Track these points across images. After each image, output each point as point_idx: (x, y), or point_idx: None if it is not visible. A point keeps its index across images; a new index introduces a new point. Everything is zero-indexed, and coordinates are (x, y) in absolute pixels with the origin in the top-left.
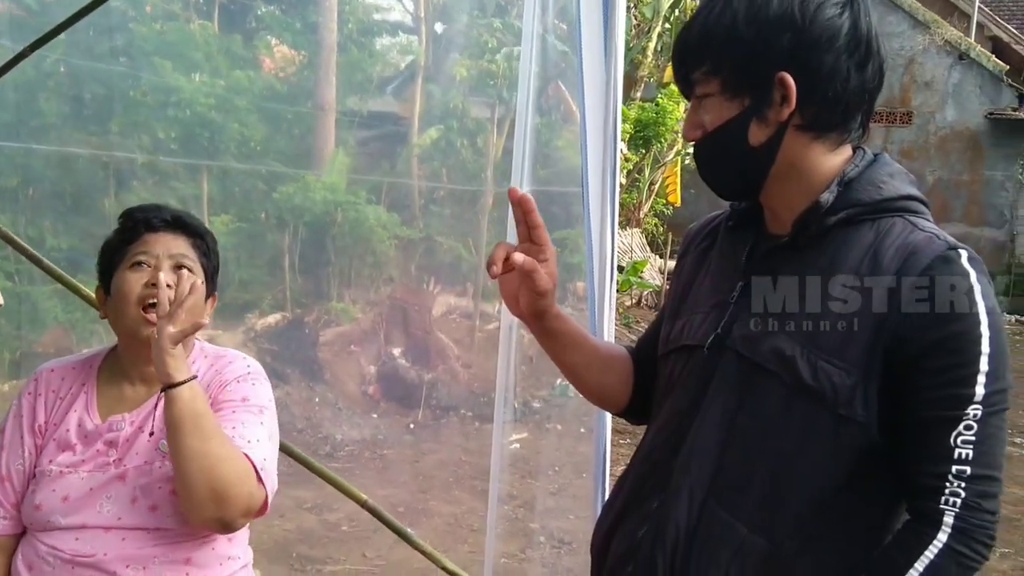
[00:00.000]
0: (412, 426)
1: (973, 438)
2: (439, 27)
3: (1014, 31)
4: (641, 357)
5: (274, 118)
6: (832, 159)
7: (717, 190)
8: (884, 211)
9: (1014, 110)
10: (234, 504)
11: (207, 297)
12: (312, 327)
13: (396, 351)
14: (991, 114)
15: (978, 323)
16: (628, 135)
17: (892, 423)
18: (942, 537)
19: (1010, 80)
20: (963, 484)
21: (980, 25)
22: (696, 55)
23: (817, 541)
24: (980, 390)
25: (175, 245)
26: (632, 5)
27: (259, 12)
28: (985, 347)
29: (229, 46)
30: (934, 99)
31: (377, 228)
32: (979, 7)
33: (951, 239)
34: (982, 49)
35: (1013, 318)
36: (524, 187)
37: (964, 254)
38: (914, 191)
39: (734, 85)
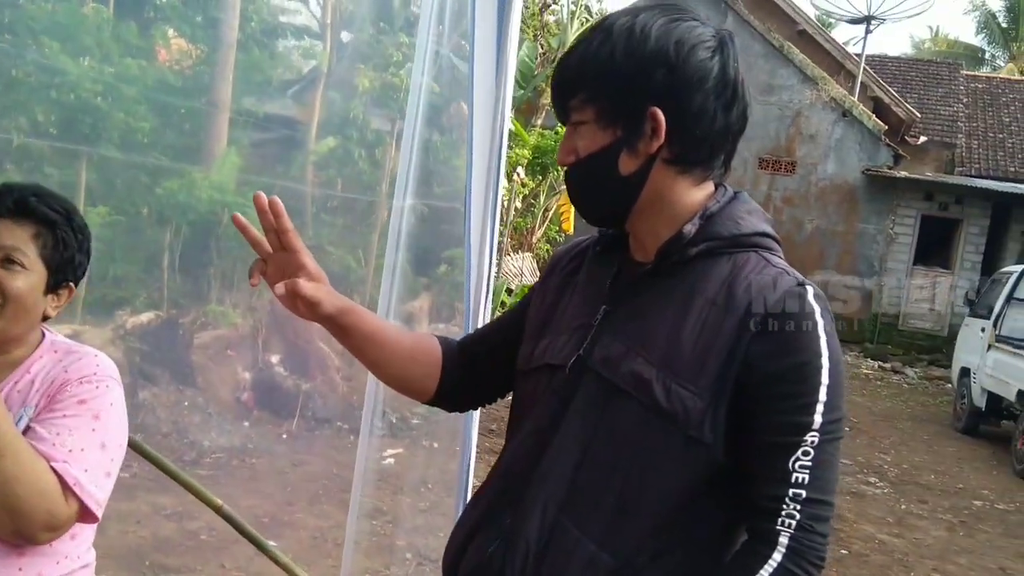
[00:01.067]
0: (285, 436)
1: (810, 463)
2: (345, 36)
3: (894, 94)
4: (469, 351)
5: (164, 111)
6: (696, 193)
7: (586, 215)
8: (741, 245)
9: (889, 168)
10: (29, 521)
11: (57, 289)
12: (187, 329)
13: (274, 358)
14: (868, 170)
15: (820, 355)
16: (527, 160)
17: (736, 447)
18: (777, 556)
19: (887, 140)
20: (798, 507)
21: (864, 85)
22: (574, 83)
23: (663, 557)
24: (818, 418)
25: (10, 235)
26: (539, 35)
27: (158, 2)
28: (825, 378)
29: (123, 33)
30: (817, 151)
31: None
32: (864, 68)
33: (800, 276)
34: (864, 108)
35: (876, 364)
36: (407, 200)
37: (811, 290)
38: (768, 229)
39: (608, 115)
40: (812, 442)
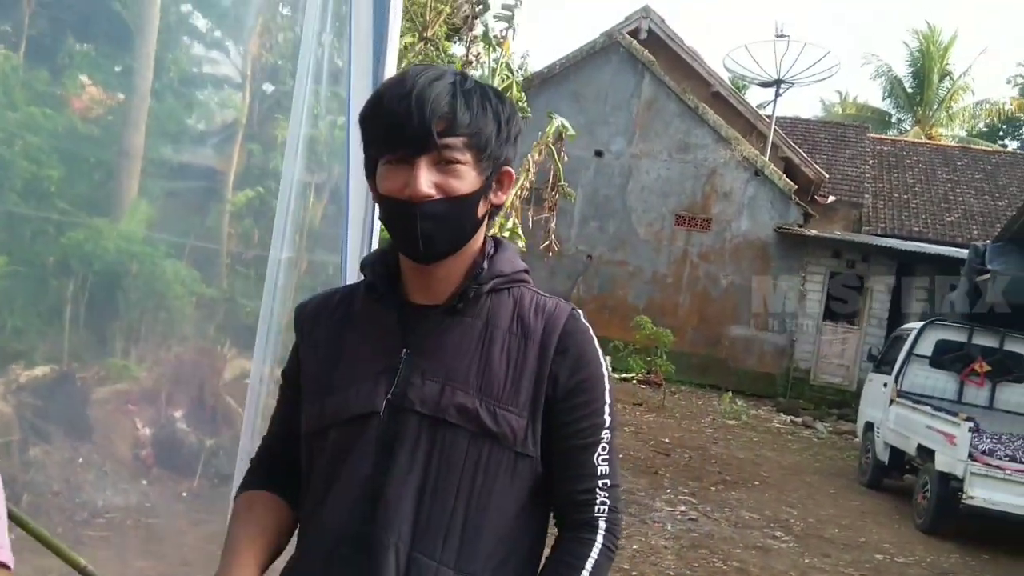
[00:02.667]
0: (185, 495)
1: (607, 456)
2: (267, 87)
3: (804, 154)
4: (285, 460)
5: (73, 160)
6: (481, 239)
7: (430, 250)
8: (515, 281)
9: (799, 226)
10: None
11: None
12: (86, 383)
13: (177, 414)
14: (779, 228)
15: (601, 365)
16: None
17: (548, 454)
18: (599, 539)
19: (797, 199)
20: (607, 494)
21: (775, 146)
22: (459, 123)
23: (502, 567)
24: (607, 418)
25: None
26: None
27: (73, 49)
28: (606, 383)
29: (32, 80)
30: (731, 209)
31: (175, 284)
32: (774, 129)
33: (565, 301)
34: (775, 168)
35: (788, 418)
36: (283, 253)
37: (579, 313)
38: (526, 267)
39: (484, 162)
40: (606, 437)
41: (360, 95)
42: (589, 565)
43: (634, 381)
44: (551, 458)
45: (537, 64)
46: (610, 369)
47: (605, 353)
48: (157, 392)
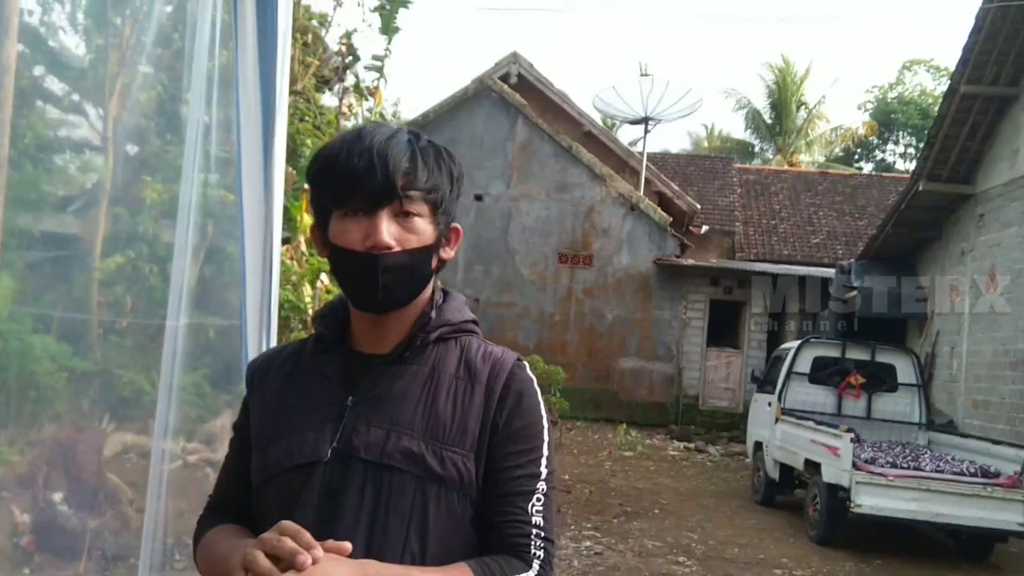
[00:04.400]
0: None
1: (542, 508)
2: (131, 148)
3: (676, 187)
4: (236, 511)
5: None
6: (430, 291)
7: (385, 300)
8: (463, 331)
9: (677, 257)
10: None
11: None
12: None
13: (57, 496)
14: (658, 260)
15: (542, 417)
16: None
17: (485, 493)
18: (531, 575)
19: (673, 231)
20: (542, 544)
21: (648, 180)
22: (418, 176)
23: None
24: (544, 470)
25: None
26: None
27: None
28: (546, 436)
29: None
30: (611, 244)
31: (44, 360)
32: (646, 165)
33: (512, 352)
34: (650, 202)
35: (682, 445)
36: (181, 320)
37: (526, 364)
38: (475, 317)
39: (438, 217)
40: (543, 489)
41: (251, 153)
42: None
43: None
44: (486, 502)
45: (410, 113)
46: (549, 422)
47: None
48: (33, 475)
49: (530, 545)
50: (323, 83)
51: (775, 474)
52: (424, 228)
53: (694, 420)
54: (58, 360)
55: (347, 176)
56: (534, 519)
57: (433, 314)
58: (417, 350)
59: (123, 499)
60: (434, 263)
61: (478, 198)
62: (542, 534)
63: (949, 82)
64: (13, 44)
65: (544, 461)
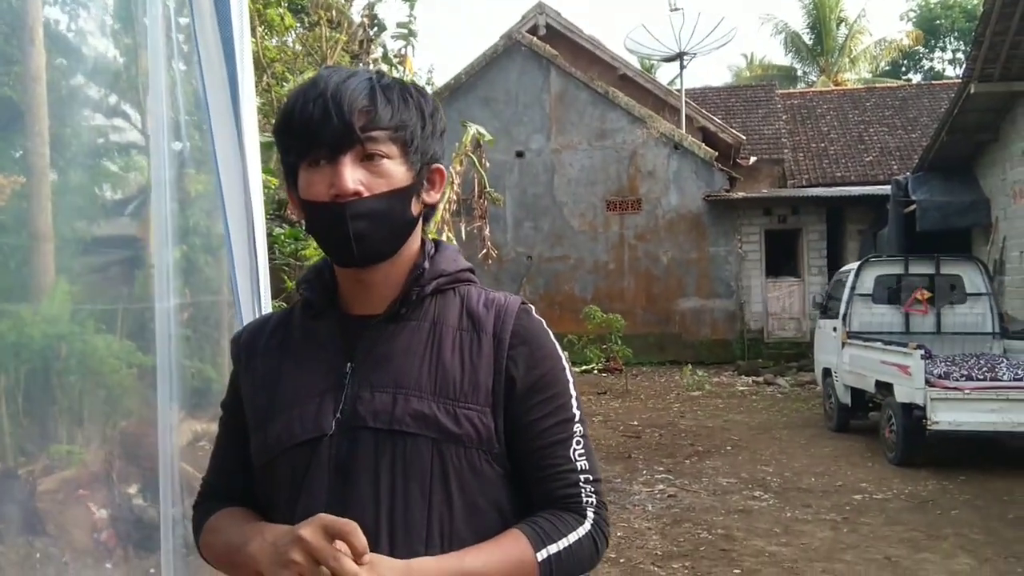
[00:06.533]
0: (153, 571)
1: (583, 451)
2: (176, 145)
3: (719, 121)
4: (230, 493)
5: None
6: (417, 241)
7: (362, 252)
8: (460, 280)
9: (727, 191)
10: None
11: None
12: (32, 476)
13: (132, 490)
14: (708, 196)
15: (560, 358)
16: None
17: (514, 452)
18: (587, 526)
19: (720, 165)
20: (592, 488)
21: (689, 117)
22: (382, 115)
23: None
24: (576, 412)
25: None
26: None
27: None
28: (569, 376)
29: None
30: (658, 186)
31: (109, 359)
32: (686, 101)
33: (516, 296)
34: (693, 139)
35: (750, 379)
36: (171, 301)
37: (532, 307)
38: (471, 266)
39: (412, 158)
40: (579, 431)
41: (224, 140)
42: (572, 537)
43: (595, 371)
44: (522, 459)
45: (443, 77)
46: (569, 361)
47: (561, 348)
48: (106, 472)
49: (580, 493)
50: (354, 58)
51: (847, 399)
52: (395, 170)
53: (760, 354)
54: (123, 357)
55: (304, 125)
56: (579, 464)
57: (426, 264)
58: (414, 305)
59: (197, 487)
60: (415, 208)
61: (519, 155)
62: (590, 477)
63: None
64: (40, 52)
65: (573, 402)
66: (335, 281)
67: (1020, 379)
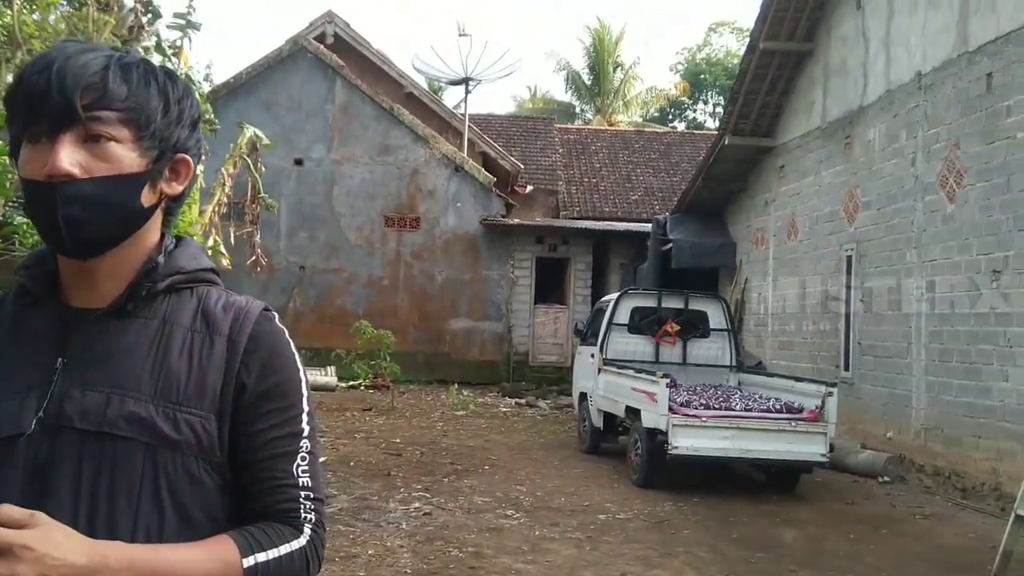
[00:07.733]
0: None
1: (308, 468)
2: None
3: (499, 148)
4: None
5: None
6: (156, 236)
7: (77, 236)
8: (199, 280)
9: (503, 216)
10: None
11: None
12: None
13: None
14: (484, 220)
15: (299, 369)
16: None
17: (236, 461)
18: (302, 541)
19: (497, 191)
20: (312, 506)
21: (472, 142)
22: (114, 95)
23: None
24: (306, 427)
25: None
26: None
27: None
28: (304, 390)
29: None
30: (437, 206)
31: None
32: (469, 126)
33: (260, 302)
34: (474, 163)
35: (513, 401)
36: None
37: (275, 314)
38: (213, 265)
39: (147, 143)
40: (306, 447)
41: None
42: (284, 549)
43: (362, 387)
44: (243, 470)
45: (224, 74)
46: (307, 376)
47: (328, 363)
48: None
49: (299, 509)
50: (124, 45)
51: (599, 423)
52: (122, 155)
53: (525, 376)
54: None
55: (27, 99)
56: (301, 480)
57: (161, 259)
58: (143, 301)
59: None
60: (146, 198)
61: (298, 162)
62: (311, 495)
63: (749, 39)
64: None
65: (305, 417)
66: (57, 268)
67: (750, 409)
